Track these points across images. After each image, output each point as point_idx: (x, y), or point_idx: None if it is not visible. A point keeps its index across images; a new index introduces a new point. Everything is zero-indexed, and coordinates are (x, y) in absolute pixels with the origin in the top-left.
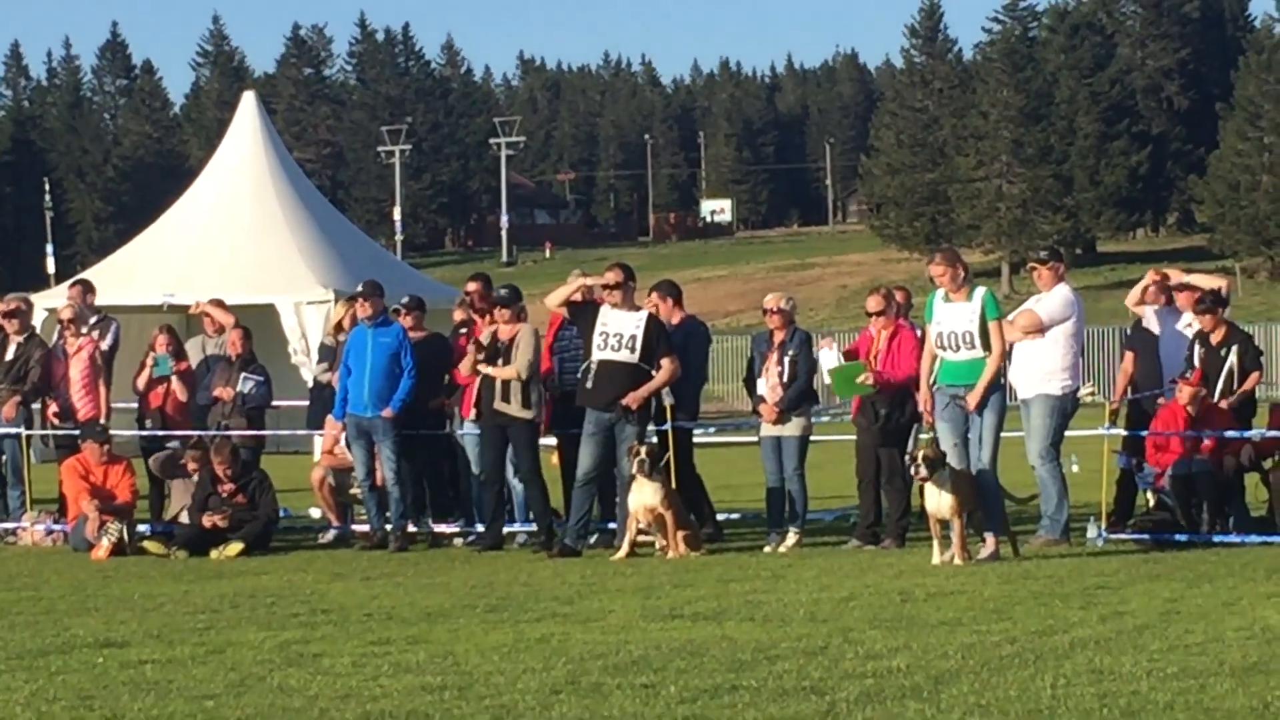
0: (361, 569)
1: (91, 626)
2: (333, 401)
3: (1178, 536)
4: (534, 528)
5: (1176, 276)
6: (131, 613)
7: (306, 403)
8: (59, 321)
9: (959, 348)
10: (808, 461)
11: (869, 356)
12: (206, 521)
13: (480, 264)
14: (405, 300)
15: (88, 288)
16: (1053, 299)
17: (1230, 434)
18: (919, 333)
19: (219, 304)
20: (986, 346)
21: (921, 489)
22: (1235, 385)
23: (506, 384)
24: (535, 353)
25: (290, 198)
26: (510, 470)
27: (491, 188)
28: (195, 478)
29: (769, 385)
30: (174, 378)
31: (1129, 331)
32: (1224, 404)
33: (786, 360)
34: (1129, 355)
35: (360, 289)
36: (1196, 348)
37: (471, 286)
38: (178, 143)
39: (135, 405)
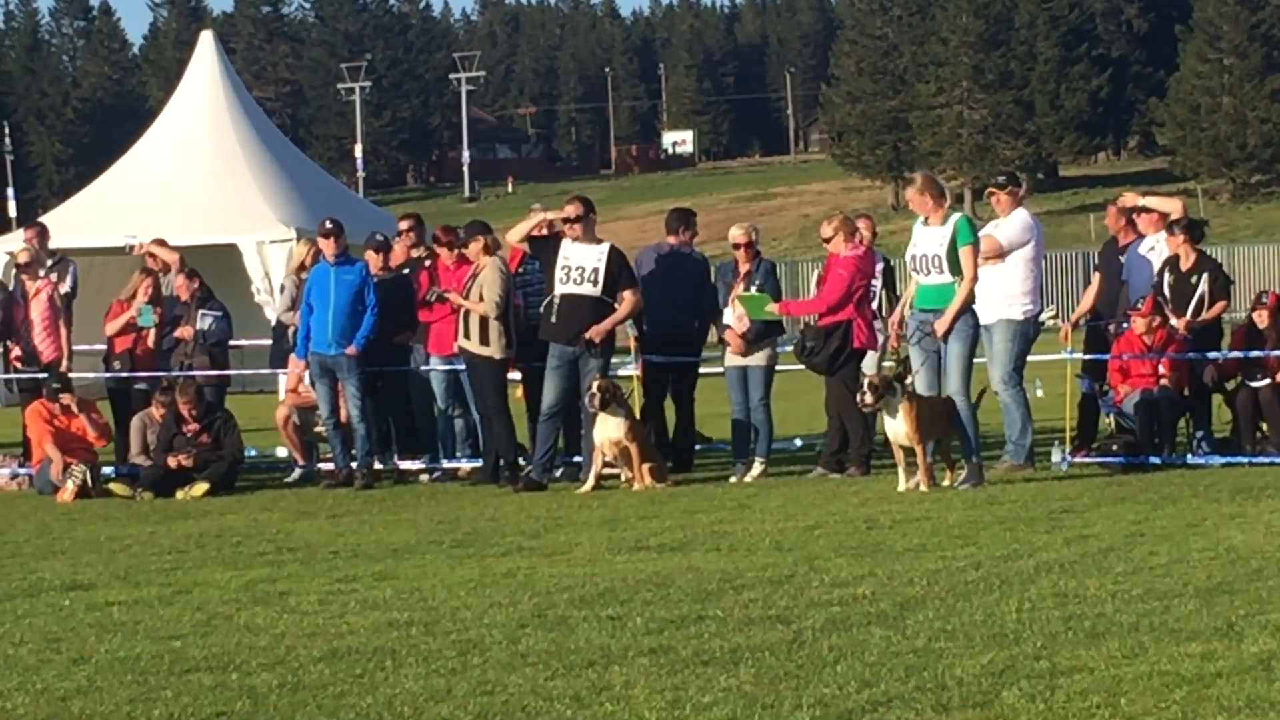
0: (327, 507)
1: (58, 569)
2: (290, 341)
3: (1145, 459)
4: (481, 462)
5: (1131, 200)
6: (97, 555)
7: (270, 342)
8: (15, 266)
9: (928, 271)
10: (773, 391)
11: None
12: (172, 462)
13: (442, 199)
14: (379, 238)
15: (42, 231)
16: (1011, 224)
17: (1192, 355)
18: (866, 259)
19: (162, 243)
20: (954, 271)
21: (882, 417)
22: (1205, 313)
23: (468, 319)
24: (502, 290)
25: (250, 137)
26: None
27: (452, 123)
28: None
29: (735, 315)
30: None
31: (1098, 255)
32: (1180, 324)
33: (754, 290)
34: (1097, 276)
35: (328, 226)
36: (1166, 275)
37: (404, 225)
38: (137, 84)
39: (97, 347)
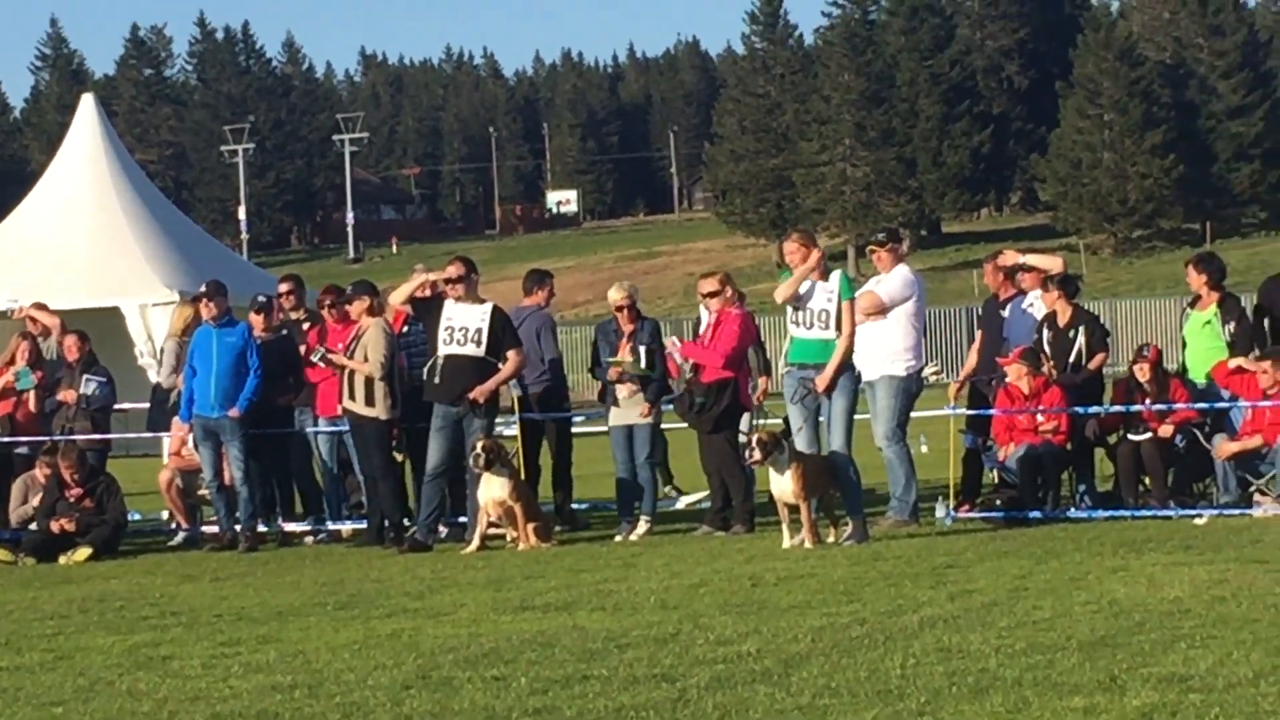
0: (211, 570)
1: None
2: (173, 403)
3: (1027, 514)
4: (365, 524)
5: (1012, 258)
6: None
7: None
8: None
9: (813, 325)
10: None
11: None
12: (54, 527)
13: (327, 261)
14: (261, 299)
15: None
16: (893, 280)
17: (1075, 410)
18: (750, 318)
19: (42, 307)
20: (840, 326)
21: (767, 474)
22: (1084, 366)
23: (353, 381)
24: (386, 350)
25: (132, 200)
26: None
27: (336, 184)
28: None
29: (622, 384)
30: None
31: (980, 311)
32: (1048, 368)
33: (641, 350)
34: (980, 335)
35: (203, 289)
36: (1045, 330)
37: (284, 287)
38: (18, 147)
39: None
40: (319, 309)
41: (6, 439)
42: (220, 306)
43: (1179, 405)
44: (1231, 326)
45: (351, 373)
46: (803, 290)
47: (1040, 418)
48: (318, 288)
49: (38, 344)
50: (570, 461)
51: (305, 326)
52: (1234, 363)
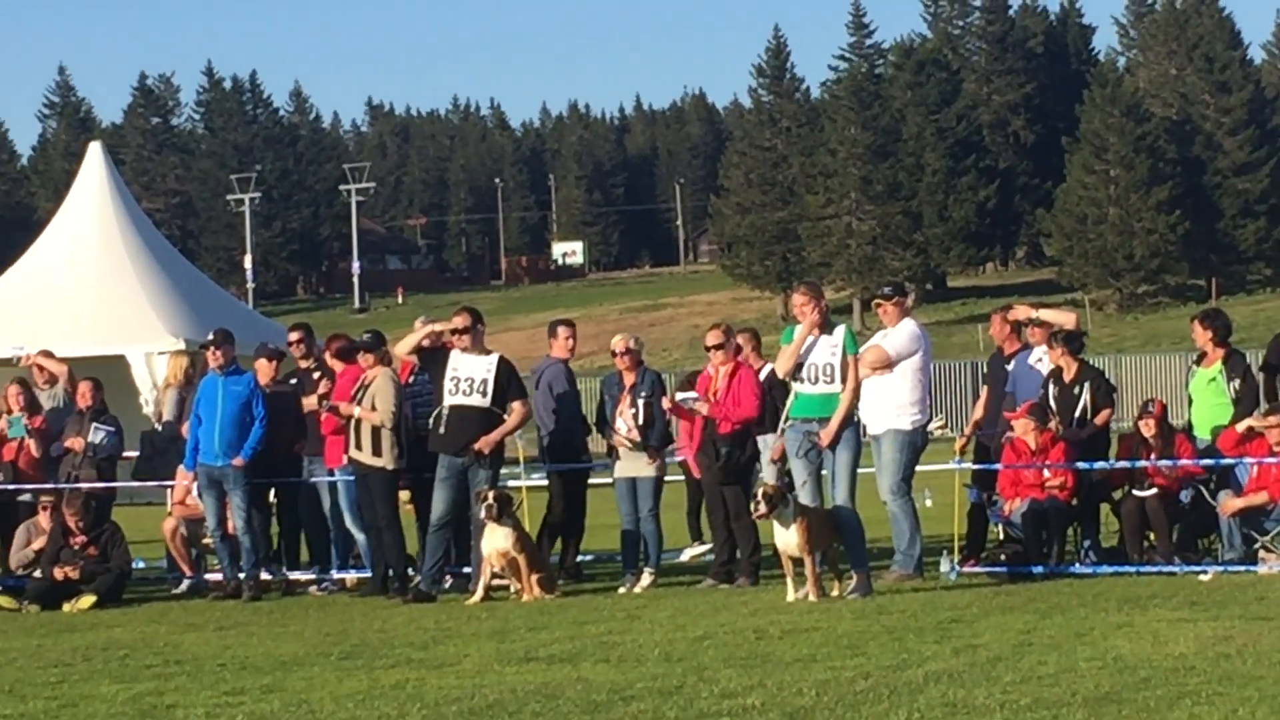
0: (215, 619)
1: None
2: (168, 450)
3: (1032, 569)
4: (370, 573)
5: (1024, 312)
6: None
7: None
8: None
9: (818, 380)
10: (661, 502)
11: (708, 394)
12: (58, 574)
13: (332, 310)
14: (271, 347)
15: None
16: (899, 334)
17: (1081, 465)
18: (764, 370)
19: (48, 354)
20: (844, 380)
21: (771, 527)
22: (1090, 421)
23: (360, 431)
24: (395, 399)
25: (139, 248)
26: (348, 518)
27: (342, 234)
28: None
29: (627, 429)
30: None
31: (985, 365)
32: (1054, 424)
33: (640, 403)
34: (985, 389)
35: (210, 338)
36: (1051, 386)
37: (293, 336)
38: (25, 195)
39: None
40: (324, 354)
41: (9, 486)
42: (227, 355)
43: (1184, 461)
44: (1237, 383)
45: (358, 423)
46: (805, 348)
47: (1046, 473)
48: (323, 337)
49: (32, 391)
50: (583, 513)
51: (315, 376)
52: (1242, 425)
